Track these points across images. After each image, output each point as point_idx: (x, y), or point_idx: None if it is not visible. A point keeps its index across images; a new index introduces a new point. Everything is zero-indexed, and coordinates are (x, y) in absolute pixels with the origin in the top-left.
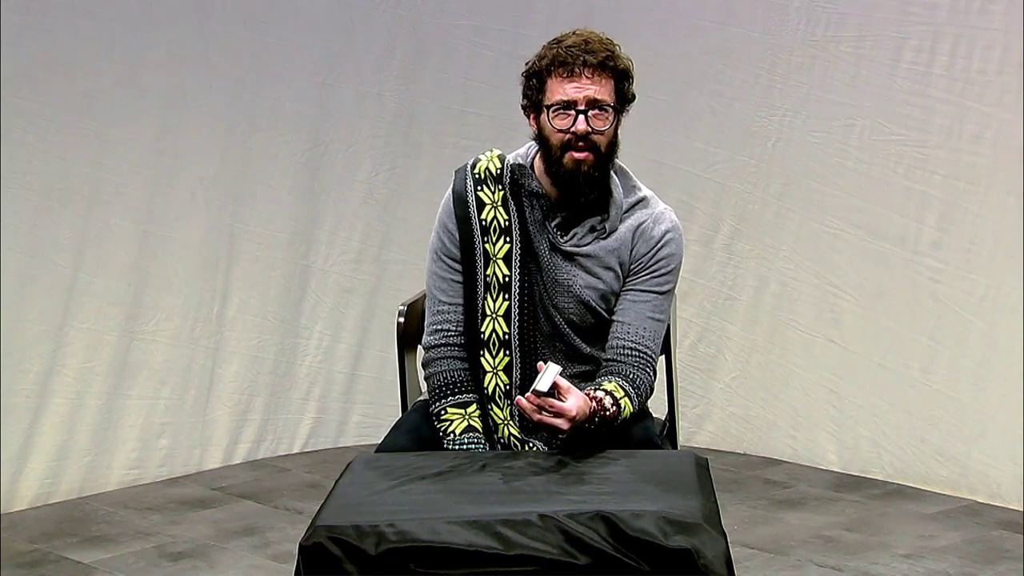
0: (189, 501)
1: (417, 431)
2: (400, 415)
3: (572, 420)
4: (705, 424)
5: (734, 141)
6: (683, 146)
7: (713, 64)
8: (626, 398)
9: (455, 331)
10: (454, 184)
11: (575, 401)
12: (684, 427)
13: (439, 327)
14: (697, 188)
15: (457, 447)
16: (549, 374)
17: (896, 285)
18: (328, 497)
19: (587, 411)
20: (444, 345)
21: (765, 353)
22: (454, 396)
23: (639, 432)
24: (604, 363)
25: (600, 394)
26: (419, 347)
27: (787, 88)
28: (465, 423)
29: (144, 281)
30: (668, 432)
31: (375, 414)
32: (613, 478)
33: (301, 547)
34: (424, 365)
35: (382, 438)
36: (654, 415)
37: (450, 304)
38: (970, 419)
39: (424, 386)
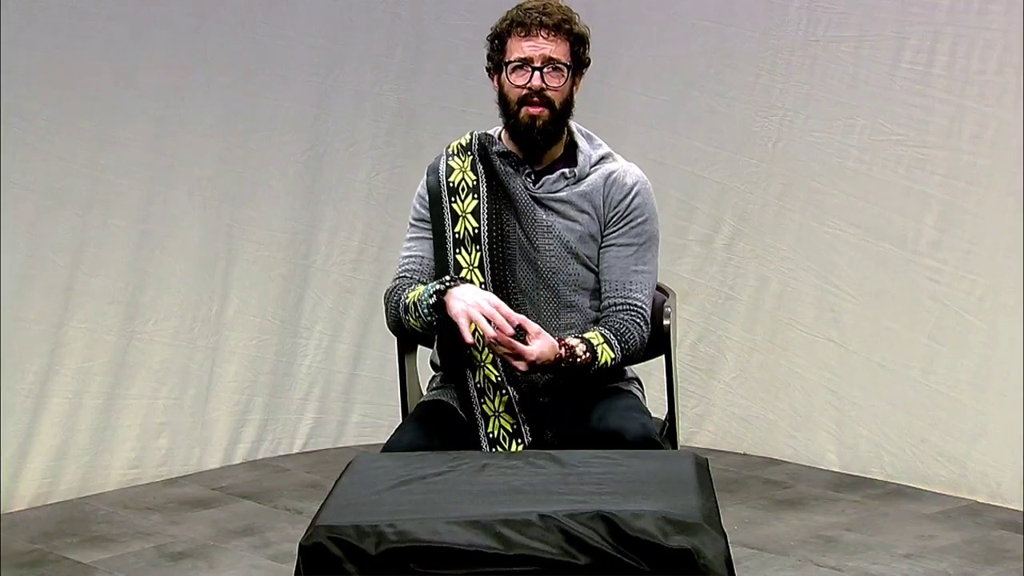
0: (189, 501)
1: (422, 431)
2: (400, 415)
3: (531, 363)
4: (705, 424)
5: (734, 141)
6: (683, 146)
7: (713, 64)
8: (605, 345)
9: (418, 273)
10: (432, 162)
11: (539, 346)
12: (684, 427)
13: (402, 274)
14: (697, 188)
15: (426, 293)
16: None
17: (896, 285)
18: (328, 497)
19: (551, 356)
20: (400, 287)
21: (765, 353)
22: (411, 287)
23: (639, 432)
24: (598, 318)
25: (574, 341)
26: (419, 348)
27: (787, 88)
28: (423, 287)
29: (142, 281)
30: (668, 432)
31: (375, 414)
32: (613, 478)
33: (301, 547)
34: (386, 310)
35: (386, 438)
36: (654, 415)
37: (414, 256)
38: (970, 419)
39: (424, 387)
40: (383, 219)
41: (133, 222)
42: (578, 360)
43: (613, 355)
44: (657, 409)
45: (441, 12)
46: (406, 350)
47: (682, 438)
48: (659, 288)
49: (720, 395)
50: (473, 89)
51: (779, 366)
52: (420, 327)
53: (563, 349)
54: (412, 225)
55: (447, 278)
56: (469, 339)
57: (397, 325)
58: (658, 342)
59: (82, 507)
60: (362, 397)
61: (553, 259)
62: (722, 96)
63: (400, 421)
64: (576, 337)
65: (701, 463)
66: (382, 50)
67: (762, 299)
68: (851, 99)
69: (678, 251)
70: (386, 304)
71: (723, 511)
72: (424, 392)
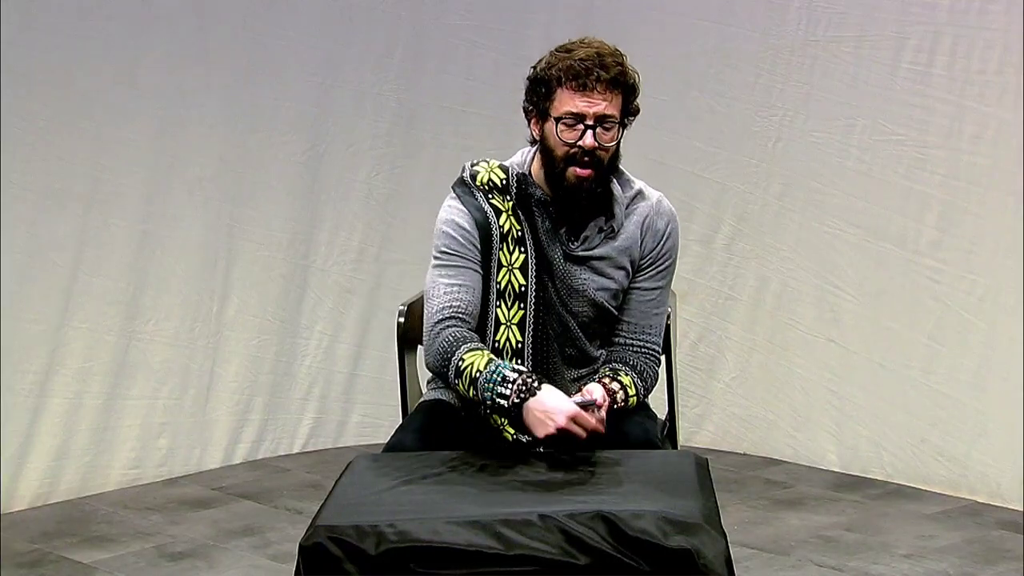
0: (189, 501)
1: (423, 431)
2: (400, 415)
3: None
4: (705, 424)
5: (734, 141)
6: (683, 146)
7: (713, 64)
8: (635, 398)
9: (465, 310)
10: (458, 194)
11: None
12: (684, 427)
13: (451, 306)
14: (697, 188)
15: (492, 381)
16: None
17: (896, 285)
18: (328, 497)
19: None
20: (452, 318)
21: (765, 353)
22: (468, 344)
23: (639, 432)
24: (611, 353)
25: (615, 386)
26: (419, 348)
27: (787, 88)
28: (486, 358)
29: (143, 281)
30: (668, 432)
31: (375, 414)
32: (613, 478)
33: (301, 547)
34: (429, 343)
35: (386, 438)
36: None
37: (465, 286)
38: (970, 419)
39: (425, 387)
40: (383, 219)
41: (133, 222)
42: (617, 405)
43: (636, 402)
44: (657, 409)
45: (441, 12)
46: (406, 350)
47: (682, 438)
48: None
49: (720, 395)
50: (473, 89)
51: (779, 366)
52: (471, 399)
53: (609, 396)
54: (449, 254)
55: (518, 376)
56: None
57: (440, 371)
58: None
59: (82, 507)
60: (362, 397)
61: (584, 318)
62: (722, 96)
63: (400, 421)
64: (616, 382)
65: (701, 463)
66: (382, 50)
67: (762, 299)
68: (851, 99)
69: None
70: (432, 339)
71: (723, 511)
72: (424, 391)
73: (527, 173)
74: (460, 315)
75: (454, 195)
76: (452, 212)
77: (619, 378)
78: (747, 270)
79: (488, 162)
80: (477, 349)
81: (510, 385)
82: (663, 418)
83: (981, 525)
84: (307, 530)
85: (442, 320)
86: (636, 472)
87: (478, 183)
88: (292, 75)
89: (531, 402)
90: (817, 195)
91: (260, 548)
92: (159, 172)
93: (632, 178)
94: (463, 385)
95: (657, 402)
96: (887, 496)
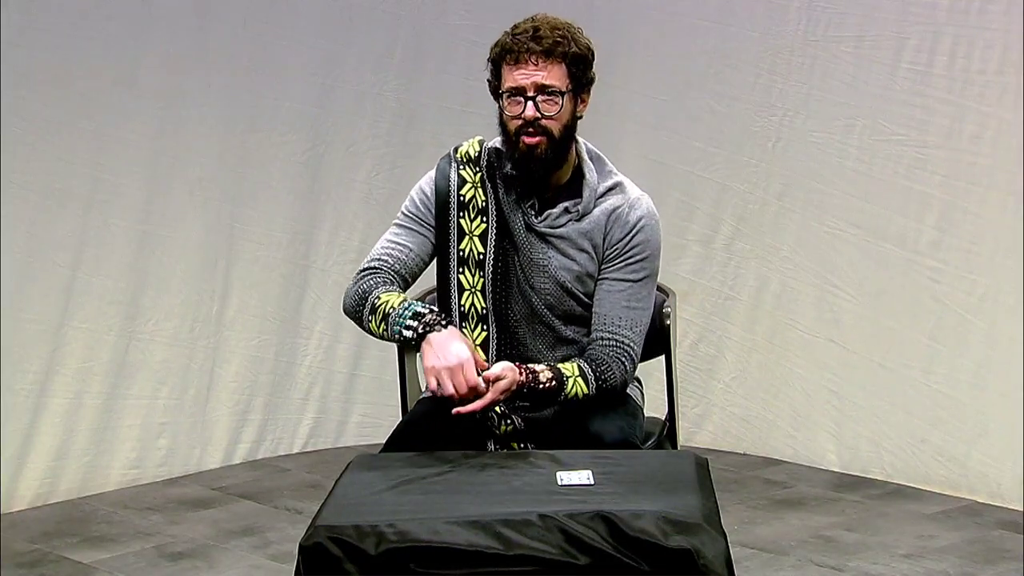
0: (189, 501)
1: (422, 429)
2: (400, 415)
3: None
4: (705, 424)
5: (734, 141)
6: (683, 146)
7: (713, 64)
8: (579, 378)
9: (399, 263)
10: (438, 164)
11: (498, 369)
12: (684, 427)
13: (382, 257)
14: (697, 188)
15: (402, 316)
16: None
17: (896, 285)
18: (328, 497)
19: (512, 381)
20: (377, 270)
21: (765, 353)
22: (386, 286)
23: (614, 431)
24: (582, 352)
25: (539, 367)
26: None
27: (787, 88)
28: (401, 297)
29: (143, 281)
30: (668, 432)
31: (375, 414)
32: (613, 478)
33: (301, 547)
34: (350, 288)
35: (386, 437)
36: (654, 415)
37: (401, 245)
38: (970, 419)
39: (424, 385)
40: (383, 219)
41: (133, 222)
42: (541, 386)
43: (587, 389)
44: (657, 409)
45: (441, 12)
46: (406, 350)
47: (682, 438)
48: (659, 288)
49: (720, 395)
50: (473, 89)
51: (779, 366)
52: (381, 336)
53: (525, 374)
54: (405, 215)
55: (429, 314)
56: (433, 387)
57: (355, 312)
58: (658, 342)
59: (82, 507)
60: (362, 397)
61: (548, 296)
62: (722, 96)
63: (400, 420)
64: (546, 364)
65: (701, 463)
66: (382, 50)
67: (762, 299)
68: (851, 99)
69: (678, 251)
70: (354, 284)
71: (723, 511)
72: (424, 389)
73: (503, 150)
74: (386, 267)
75: (436, 166)
76: (424, 180)
77: (559, 365)
78: (747, 270)
79: (474, 138)
80: (395, 291)
81: (420, 319)
82: (663, 418)
83: (981, 525)
84: (307, 530)
85: (367, 269)
86: (636, 472)
87: (458, 155)
88: (292, 75)
89: (433, 337)
90: (817, 195)
91: (260, 548)
92: (159, 172)
93: (615, 171)
94: (376, 321)
95: (657, 402)
96: (887, 496)
